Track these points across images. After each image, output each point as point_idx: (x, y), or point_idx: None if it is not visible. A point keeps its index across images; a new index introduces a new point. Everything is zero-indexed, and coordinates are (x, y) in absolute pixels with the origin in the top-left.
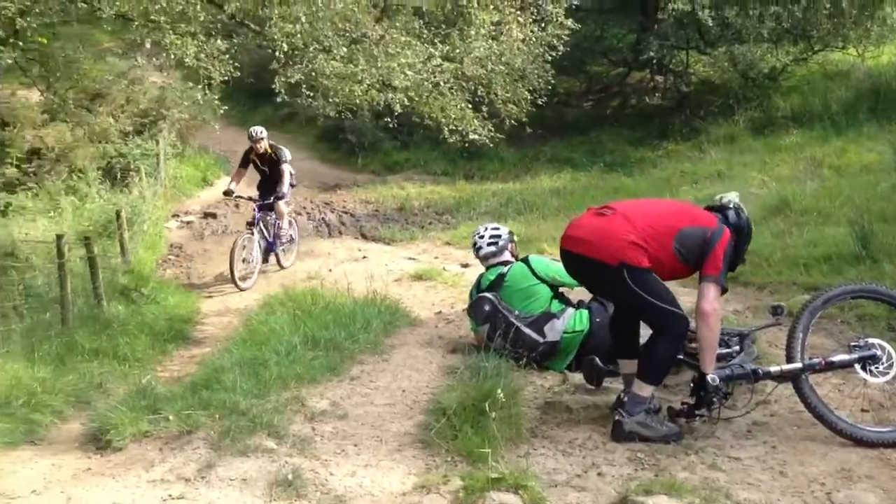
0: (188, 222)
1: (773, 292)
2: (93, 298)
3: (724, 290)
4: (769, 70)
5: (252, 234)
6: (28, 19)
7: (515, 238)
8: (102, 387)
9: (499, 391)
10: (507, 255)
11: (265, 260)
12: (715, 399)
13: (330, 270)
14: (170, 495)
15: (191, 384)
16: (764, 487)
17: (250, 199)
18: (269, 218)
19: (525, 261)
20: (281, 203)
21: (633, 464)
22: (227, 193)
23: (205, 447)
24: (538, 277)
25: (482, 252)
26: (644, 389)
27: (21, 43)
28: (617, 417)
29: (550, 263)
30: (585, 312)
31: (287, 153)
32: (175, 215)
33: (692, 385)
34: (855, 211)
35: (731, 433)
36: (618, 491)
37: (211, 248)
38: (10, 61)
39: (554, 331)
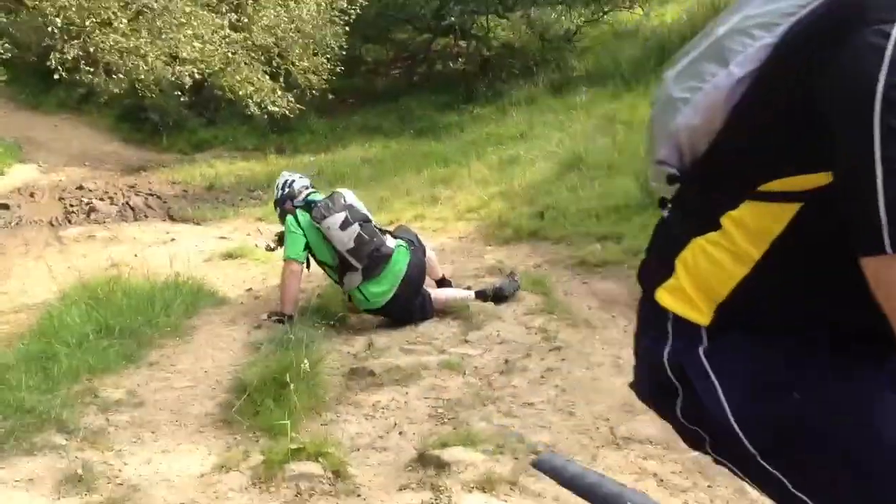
0: None
1: (570, 244)
2: None
3: None
4: (564, 32)
5: None
6: None
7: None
8: None
9: (302, 362)
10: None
11: None
12: None
13: (136, 256)
14: None
15: None
16: (554, 428)
17: None
18: None
19: None
20: None
21: (433, 420)
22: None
23: None
24: None
25: None
26: None
27: None
28: None
29: None
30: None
31: None
32: None
33: None
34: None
35: (527, 381)
36: (417, 448)
37: (4, 241)
38: None
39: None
